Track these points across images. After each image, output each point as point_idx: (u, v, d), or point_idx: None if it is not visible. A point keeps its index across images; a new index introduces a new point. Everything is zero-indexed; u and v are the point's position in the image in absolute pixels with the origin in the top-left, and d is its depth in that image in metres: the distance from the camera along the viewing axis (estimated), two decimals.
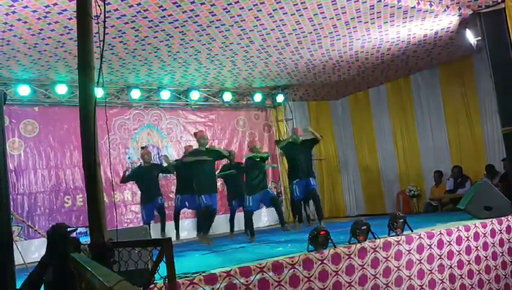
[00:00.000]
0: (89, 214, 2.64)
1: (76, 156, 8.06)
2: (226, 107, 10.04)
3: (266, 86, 9.75)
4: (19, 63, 6.68)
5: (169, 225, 7.67)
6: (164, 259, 2.24)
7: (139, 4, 5.18)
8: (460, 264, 5.51)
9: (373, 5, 6.01)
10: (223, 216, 8.57)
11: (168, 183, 8.90)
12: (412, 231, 5.39)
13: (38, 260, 2.27)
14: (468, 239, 5.64)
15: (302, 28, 6.46)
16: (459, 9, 6.57)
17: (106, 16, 2.76)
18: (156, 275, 2.47)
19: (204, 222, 7.08)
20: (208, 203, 6.92)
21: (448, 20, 6.83)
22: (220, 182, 8.16)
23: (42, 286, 2.32)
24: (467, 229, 5.67)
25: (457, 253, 5.52)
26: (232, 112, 10.23)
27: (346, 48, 7.55)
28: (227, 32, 6.31)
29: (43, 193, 7.89)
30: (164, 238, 2.49)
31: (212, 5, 5.42)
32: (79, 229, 3.10)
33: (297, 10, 5.87)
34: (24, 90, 7.51)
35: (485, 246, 5.77)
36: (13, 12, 5.02)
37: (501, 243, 5.92)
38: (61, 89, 7.73)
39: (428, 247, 5.30)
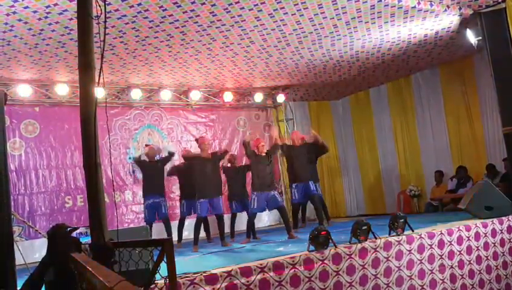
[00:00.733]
0: (89, 214, 2.64)
1: (77, 156, 8.06)
2: (226, 107, 10.04)
3: (267, 86, 9.76)
4: (20, 64, 6.68)
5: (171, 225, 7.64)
6: (165, 259, 2.24)
7: (139, 4, 5.18)
8: (461, 264, 5.51)
9: (373, 5, 6.01)
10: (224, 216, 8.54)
11: (168, 184, 8.89)
12: (413, 231, 5.40)
13: (39, 260, 2.27)
14: (469, 239, 5.64)
15: (302, 28, 6.46)
16: (460, 9, 6.57)
17: (107, 16, 2.76)
18: (157, 275, 2.47)
19: (195, 231, 6.85)
20: (199, 213, 6.84)
21: (448, 20, 6.83)
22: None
23: (43, 286, 2.32)
24: (468, 229, 5.67)
25: (458, 253, 5.52)
26: (232, 112, 10.23)
27: (346, 47, 7.54)
28: (227, 33, 6.31)
29: (43, 193, 7.90)
30: (165, 238, 2.49)
31: (212, 5, 5.42)
32: (79, 230, 3.10)
33: (297, 10, 5.87)
34: (25, 91, 7.51)
35: (486, 246, 5.77)
36: (14, 12, 5.02)
37: (502, 243, 5.92)
38: (62, 89, 7.74)
39: (429, 247, 5.30)
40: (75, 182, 8.15)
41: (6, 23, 5.26)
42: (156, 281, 3.07)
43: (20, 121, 7.83)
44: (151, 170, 7.49)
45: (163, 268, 2.31)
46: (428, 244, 5.30)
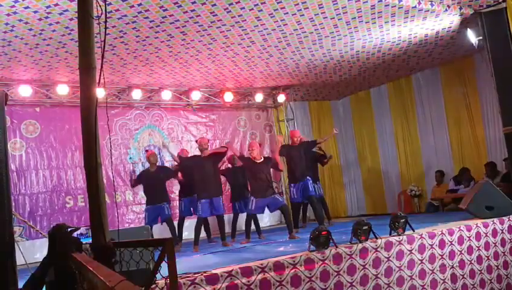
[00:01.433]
0: (90, 214, 2.64)
1: (78, 157, 8.08)
2: (227, 107, 10.04)
3: (267, 86, 9.75)
4: (20, 64, 6.69)
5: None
6: (166, 259, 2.24)
7: (140, 4, 5.18)
8: (461, 264, 5.51)
9: (374, 5, 6.01)
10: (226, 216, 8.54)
11: (169, 184, 8.88)
12: (414, 231, 5.39)
13: (40, 260, 2.27)
14: (469, 239, 5.64)
15: (303, 28, 6.46)
16: (460, 8, 6.57)
17: (107, 16, 2.76)
18: (158, 275, 2.47)
19: (196, 232, 6.84)
20: (200, 214, 6.83)
21: (449, 20, 6.83)
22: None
23: (44, 287, 2.32)
24: (469, 229, 5.67)
25: (459, 253, 5.51)
26: (233, 112, 10.23)
27: (347, 47, 7.54)
28: (228, 33, 6.31)
29: (44, 194, 7.91)
30: (166, 238, 2.49)
31: (213, 5, 5.42)
32: (80, 230, 3.10)
33: (298, 10, 5.87)
34: (25, 91, 7.51)
35: (487, 245, 5.76)
36: (14, 12, 5.02)
37: (503, 242, 5.92)
38: (63, 90, 7.74)
39: (429, 247, 5.29)
40: (76, 182, 8.16)
41: (7, 24, 5.26)
42: (156, 281, 3.07)
43: (20, 121, 7.84)
44: (152, 180, 7.25)
45: (163, 268, 2.31)
46: (429, 244, 5.30)
